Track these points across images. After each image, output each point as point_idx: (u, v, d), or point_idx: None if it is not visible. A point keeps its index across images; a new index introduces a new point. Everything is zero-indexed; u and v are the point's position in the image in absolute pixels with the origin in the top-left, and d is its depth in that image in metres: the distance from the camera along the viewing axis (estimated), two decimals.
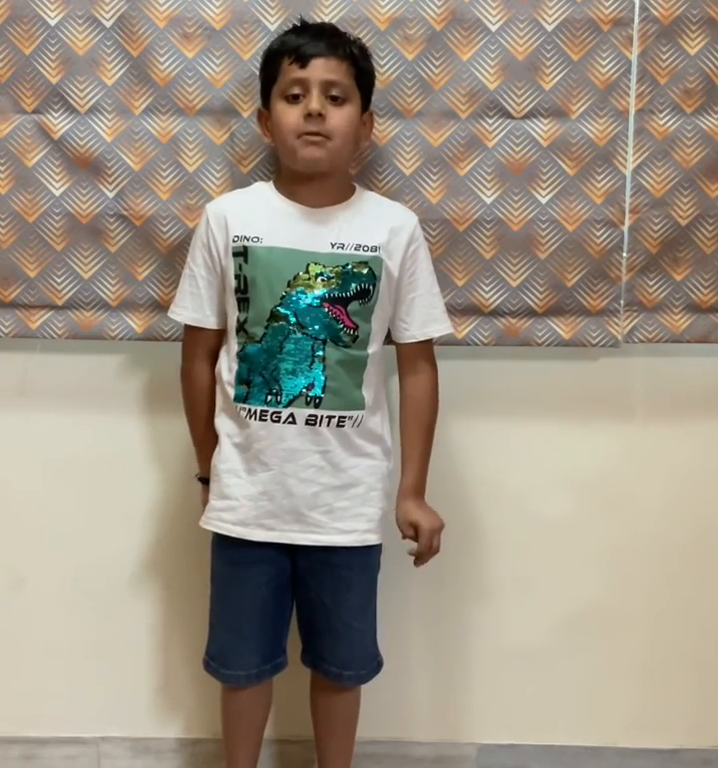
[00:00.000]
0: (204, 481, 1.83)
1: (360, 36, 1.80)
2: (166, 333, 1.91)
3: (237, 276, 1.70)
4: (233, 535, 1.73)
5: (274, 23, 1.82)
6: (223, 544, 1.76)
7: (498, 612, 2.04)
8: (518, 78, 1.84)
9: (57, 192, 1.87)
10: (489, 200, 1.88)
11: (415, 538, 1.77)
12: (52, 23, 1.82)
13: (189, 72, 1.83)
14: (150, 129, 1.85)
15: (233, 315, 1.72)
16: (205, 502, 1.81)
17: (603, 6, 1.83)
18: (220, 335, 1.77)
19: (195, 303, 1.75)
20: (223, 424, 1.74)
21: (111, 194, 1.87)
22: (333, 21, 1.80)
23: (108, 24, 1.83)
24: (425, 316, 1.77)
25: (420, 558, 1.77)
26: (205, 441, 1.80)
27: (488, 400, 1.97)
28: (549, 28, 1.83)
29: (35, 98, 1.84)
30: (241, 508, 1.72)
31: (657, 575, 2.04)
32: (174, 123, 1.85)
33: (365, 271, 1.70)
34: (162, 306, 1.89)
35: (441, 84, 1.84)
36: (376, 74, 1.80)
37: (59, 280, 1.90)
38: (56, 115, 1.85)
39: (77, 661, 2.05)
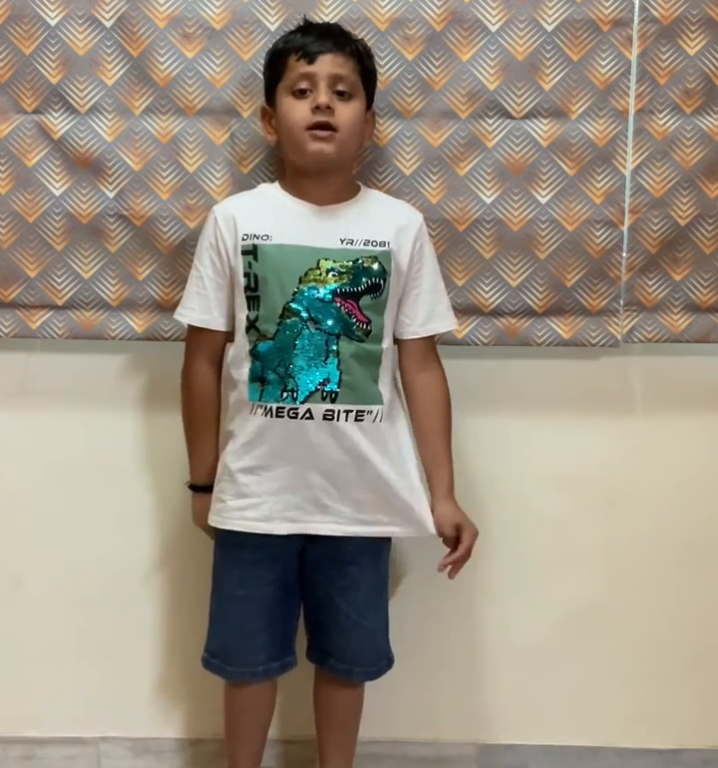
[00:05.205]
0: (196, 488, 1.83)
1: (360, 36, 1.80)
2: (166, 333, 1.91)
3: (247, 274, 1.70)
4: (259, 531, 1.72)
5: (274, 23, 1.82)
6: (233, 541, 1.75)
7: (498, 612, 2.04)
8: (517, 78, 1.84)
9: (57, 192, 1.87)
10: (489, 200, 1.88)
11: (453, 542, 1.78)
12: (52, 23, 1.82)
13: (190, 72, 1.83)
14: (150, 129, 1.85)
15: (243, 314, 1.72)
16: (198, 508, 1.81)
17: (603, 6, 1.83)
18: (226, 337, 1.77)
19: (203, 304, 1.74)
20: (235, 424, 1.74)
21: (111, 194, 1.87)
22: (333, 21, 1.80)
23: (108, 24, 1.83)
24: (428, 313, 1.77)
25: (458, 563, 1.78)
26: (203, 445, 1.80)
27: (488, 399, 1.97)
28: (549, 28, 1.83)
29: (35, 98, 1.84)
30: (264, 504, 1.71)
31: (657, 574, 2.04)
32: (174, 123, 1.85)
33: (375, 266, 1.70)
34: (162, 306, 1.89)
35: (441, 84, 1.84)
36: (377, 74, 1.81)
37: (59, 280, 1.90)
38: (56, 115, 1.85)
39: (77, 661, 2.05)
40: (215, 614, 1.80)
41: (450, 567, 1.79)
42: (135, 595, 2.03)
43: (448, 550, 1.80)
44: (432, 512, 1.78)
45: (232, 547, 1.76)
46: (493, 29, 1.83)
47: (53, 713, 2.07)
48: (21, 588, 2.03)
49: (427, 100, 1.85)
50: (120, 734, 2.07)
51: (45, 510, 2.01)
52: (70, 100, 1.84)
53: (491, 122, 1.86)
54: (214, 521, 1.76)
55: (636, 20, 1.84)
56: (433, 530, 1.77)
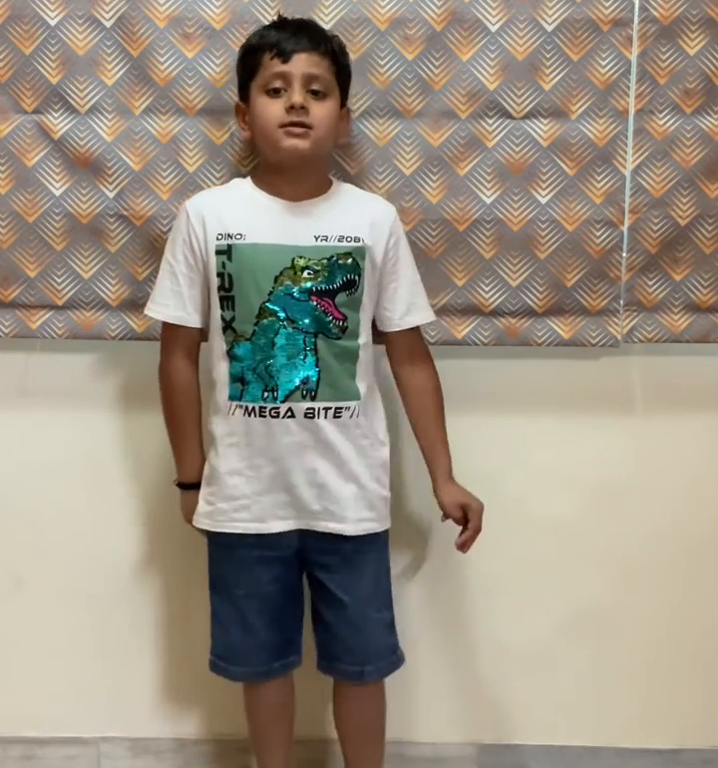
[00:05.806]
0: (184, 486, 1.82)
1: (360, 36, 1.81)
2: None
3: (221, 274, 1.70)
4: (251, 532, 1.72)
5: None
6: (227, 542, 1.74)
7: (498, 612, 2.04)
8: (517, 78, 1.84)
9: (57, 192, 1.87)
10: (489, 201, 1.88)
11: (461, 521, 1.80)
12: (52, 23, 1.82)
13: (189, 72, 1.83)
14: (150, 129, 1.85)
15: (217, 313, 1.71)
16: (187, 507, 1.80)
17: (603, 6, 1.83)
18: (200, 333, 1.76)
19: (177, 301, 1.73)
20: (218, 425, 1.73)
21: (111, 194, 1.87)
22: (333, 21, 1.81)
23: (108, 24, 1.83)
24: (408, 305, 1.78)
25: (470, 540, 1.80)
26: (187, 442, 1.79)
27: (488, 400, 1.97)
28: (549, 28, 1.83)
29: (35, 98, 1.84)
30: (254, 505, 1.71)
31: (657, 574, 2.04)
32: (174, 123, 1.85)
33: (349, 262, 1.70)
34: None
35: (441, 84, 1.84)
36: (376, 74, 1.82)
37: (59, 280, 1.90)
38: (56, 115, 1.85)
39: (77, 661, 2.05)
40: (217, 616, 1.80)
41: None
42: (135, 595, 2.03)
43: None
44: (436, 496, 1.80)
45: (227, 548, 1.75)
46: (493, 29, 1.83)
47: (53, 713, 2.07)
48: (21, 589, 2.03)
49: (427, 100, 1.85)
50: (120, 734, 2.07)
51: (45, 510, 2.01)
52: (70, 100, 1.84)
53: (491, 122, 1.86)
54: (206, 524, 1.76)
55: (636, 20, 1.84)
56: (385, 525, 1.77)
